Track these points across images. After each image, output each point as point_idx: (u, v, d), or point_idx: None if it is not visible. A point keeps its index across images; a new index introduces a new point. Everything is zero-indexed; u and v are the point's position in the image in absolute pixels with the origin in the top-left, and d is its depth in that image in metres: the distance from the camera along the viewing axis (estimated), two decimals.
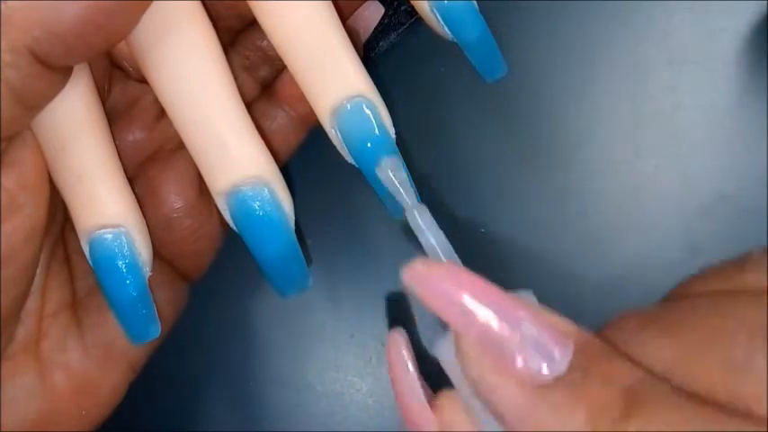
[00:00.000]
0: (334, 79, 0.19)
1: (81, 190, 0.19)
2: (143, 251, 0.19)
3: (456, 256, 0.17)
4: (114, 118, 0.20)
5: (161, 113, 0.22)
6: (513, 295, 0.14)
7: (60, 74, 0.18)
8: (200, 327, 0.26)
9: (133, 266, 0.19)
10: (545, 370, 0.13)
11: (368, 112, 0.19)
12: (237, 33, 0.22)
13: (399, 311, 0.26)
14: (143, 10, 0.17)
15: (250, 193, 0.18)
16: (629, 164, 0.26)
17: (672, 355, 0.13)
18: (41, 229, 0.19)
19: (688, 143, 0.26)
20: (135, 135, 0.22)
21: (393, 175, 0.19)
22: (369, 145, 0.19)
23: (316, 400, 0.26)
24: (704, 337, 0.13)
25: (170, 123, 0.22)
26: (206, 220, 0.22)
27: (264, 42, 0.23)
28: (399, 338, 0.16)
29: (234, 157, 0.19)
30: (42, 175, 0.19)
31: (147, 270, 0.19)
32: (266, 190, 0.19)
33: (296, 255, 0.19)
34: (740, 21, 0.27)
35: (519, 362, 0.13)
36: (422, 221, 0.18)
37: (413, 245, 0.26)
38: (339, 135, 0.19)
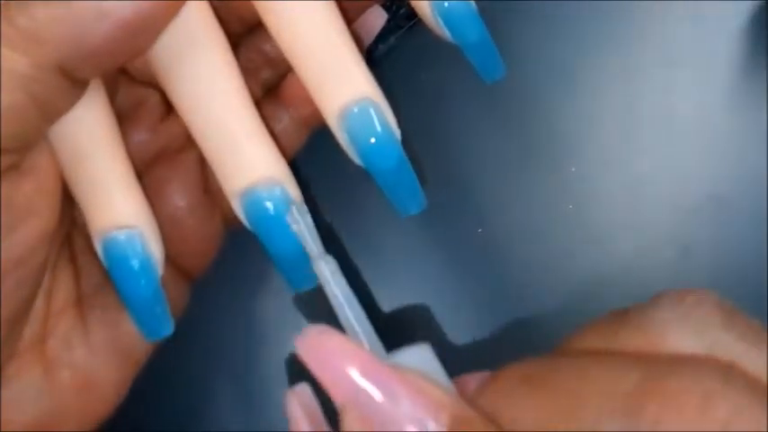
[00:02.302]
0: (341, 82, 0.19)
1: (95, 193, 0.19)
2: (156, 251, 0.20)
3: (359, 306, 0.18)
4: (120, 120, 0.20)
5: (165, 115, 0.22)
6: (396, 368, 0.14)
7: (82, 85, 0.18)
8: (202, 325, 0.26)
9: (147, 266, 0.19)
10: None
11: (374, 114, 0.19)
12: (240, 37, 0.23)
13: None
14: (167, 24, 0.18)
15: (263, 194, 0.19)
16: (624, 164, 0.27)
17: (535, 417, 0.13)
18: (53, 233, 0.20)
19: (682, 144, 0.27)
20: (140, 136, 0.22)
21: (299, 223, 0.19)
22: (376, 146, 0.19)
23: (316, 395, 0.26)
24: (562, 402, 0.13)
25: (174, 125, 0.22)
26: (209, 220, 0.23)
27: (267, 46, 0.23)
28: (294, 397, 0.17)
29: (247, 159, 0.19)
30: (58, 180, 0.20)
31: (160, 269, 0.20)
32: (278, 189, 0.19)
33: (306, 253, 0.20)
34: (734, 22, 0.27)
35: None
36: (327, 272, 0.18)
37: (414, 243, 0.27)
38: (346, 136, 0.19)
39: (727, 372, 0.12)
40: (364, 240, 0.27)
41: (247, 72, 0.23)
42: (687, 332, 0.13)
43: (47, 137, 0.19)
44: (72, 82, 0.17)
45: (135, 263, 0.19)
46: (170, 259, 0.22)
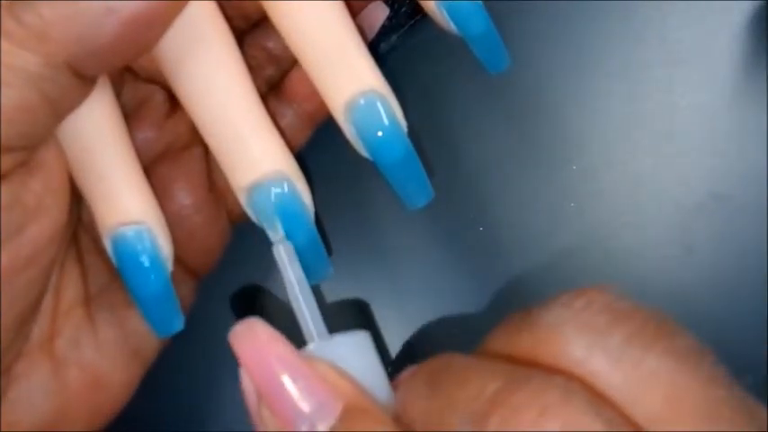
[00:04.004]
0: (347, 75, 0.19)
1: (103, 189, 0.19)
2: (165, 247, 0.20)
3: (309, 289, 0.19)
4: (125, 117, 0.21)
5: (170, 112, 0.23)
6: (309, 358, 0.16)
7: (91, 82, 0.18)
8: (204, 323, 0.26)
9: (156, 262, 0.20)
10: (315, 428, 0.15)
11: (380, 106, 0.19)
12: (243, 34, 0.23)
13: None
14: (174, 18, 0.18)
15: (271, 188, 0.19)
16: (626, 163, 0.27)
17: (422, 416, 0.15)
18: (62, 231, 0.20)
19: (684, 143, 0.27)
20: (145, 134, 0.22)
21: (257, 210, 0.20)
22: (382, 138, 0.19)
23: None
24: (441, 404, 0.14)
25: (179, 122, 0.22)
26: (215, 218, 0.23)
27: (270, 43, 0.23)
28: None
29: (255, 154, 0.19)
30: (66, 178, 0.20)
31: (169, 265, 0.20)
32: (286, 184, 0.19)
33: (316, 245, 0.20)
34: (735, 21, 0.27)
35: (296, 423, 0.15)
36: (285, 255, 0.19)
37: (415, 240, 0.27)
38: (353, 129, 0.19)
39: (568, 388, 0.13)
40: (366, 237, 0.27)
41: (251, 69, 0.23)
42: (570, 335, 0.14)
43: (54, 134, 0.19)
44: (80, 79, 0.18)
45: (144, 259, 0.19)
46: (176, 257, 0.22)
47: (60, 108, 0.18)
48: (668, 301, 0.26)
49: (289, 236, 0.20)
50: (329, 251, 0.23)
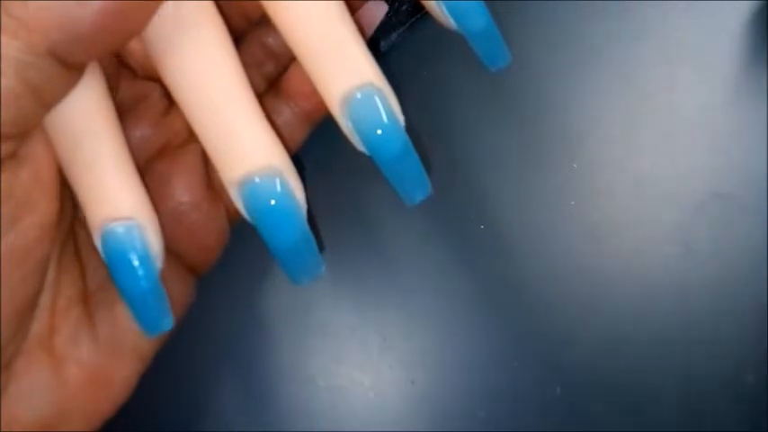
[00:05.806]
0: (343, 69, 0.19)
1: (92, 184, 0.19)
2: (155, 244, 0.19)
3: None
4: (122, 115, 0.20)
5: (167, 110, 0.22)
6: None
7: (77, 71, 0.18)
8: (203, 322, 0.26)
9: (145, 259, 0.19)
10: None
11: (378, 100, 0.19)
12: (243, 32, 0.23)
13: None
14: (156, 8, 0.18)
15: (262, 183, 0.19)
16: (626, 162, 0.27)
17: None
18: (54, 225, 0.19)
19: (684, 142, 0.27)
20: (142, 131, 0.22)
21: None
22: (379, 132, 0.19)
23: (318, 394, 0.26)
24: None
25: (176, 119, 0.22)
26: (214, 215, 0.23)
27: (270, 39, 0.23)
28: None
29: (246, 147, 0.19)
30: (54, 170, 0.19)
31: (159, 263, 0.20)
32: (278, 179, 0.19)
33: (309, 242, 0.20)
34: (736, 20, 0.27)
35: None
36: None
37: (415, 240, 0.27)
38: (350, 124, 0.19)
39: None
40: (362, 234, 0.27)
41: (250, 66, 0.23)
42: None
43: (42, 126, 0.19)
44: (66, 68, 0.17)
45: (133, 256, 0.19)
46: (175, 255, 0.22)
47: (47, 96, 0.18)
48: (668, 301, 0.26)
49: (277, 233, 0.19)
50: (321, 248, 0.23)
